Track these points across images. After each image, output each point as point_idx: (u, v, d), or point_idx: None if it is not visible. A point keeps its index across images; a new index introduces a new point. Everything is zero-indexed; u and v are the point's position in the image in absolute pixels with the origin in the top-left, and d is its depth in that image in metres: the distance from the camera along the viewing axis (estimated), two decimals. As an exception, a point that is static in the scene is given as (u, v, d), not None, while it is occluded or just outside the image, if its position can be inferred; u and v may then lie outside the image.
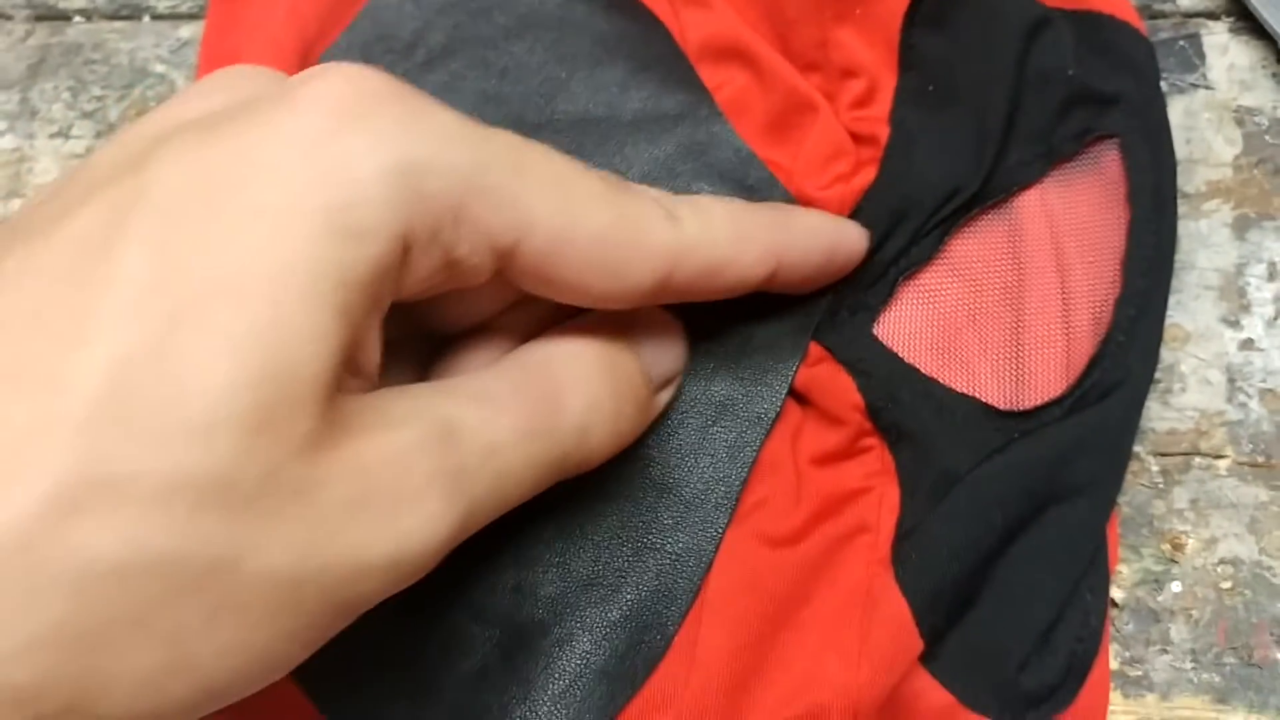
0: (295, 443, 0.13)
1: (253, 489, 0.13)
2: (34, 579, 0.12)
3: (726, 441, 0.21)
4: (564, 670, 0.20)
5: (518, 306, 0.19)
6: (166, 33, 0.28)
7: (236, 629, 0.13)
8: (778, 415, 0.21)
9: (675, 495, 0.21)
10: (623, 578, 0.21)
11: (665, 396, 0.21)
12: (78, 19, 0.28)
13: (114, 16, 0.28)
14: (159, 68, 0.28)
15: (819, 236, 0.20)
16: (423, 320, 0.19)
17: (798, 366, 0.22)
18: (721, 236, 0.18)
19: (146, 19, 0.28)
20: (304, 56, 0.24)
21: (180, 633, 0.13)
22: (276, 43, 0.24)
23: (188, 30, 0.28)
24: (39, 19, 0.28)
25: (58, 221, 0.14)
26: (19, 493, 0.12)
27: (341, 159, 0.14)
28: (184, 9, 0.28)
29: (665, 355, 0.20)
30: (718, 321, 0.22)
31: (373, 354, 0.15)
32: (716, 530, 0.21)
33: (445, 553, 0.16)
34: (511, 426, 0.16)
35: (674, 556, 0.21)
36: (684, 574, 0.21)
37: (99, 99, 0.28)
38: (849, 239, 0.21)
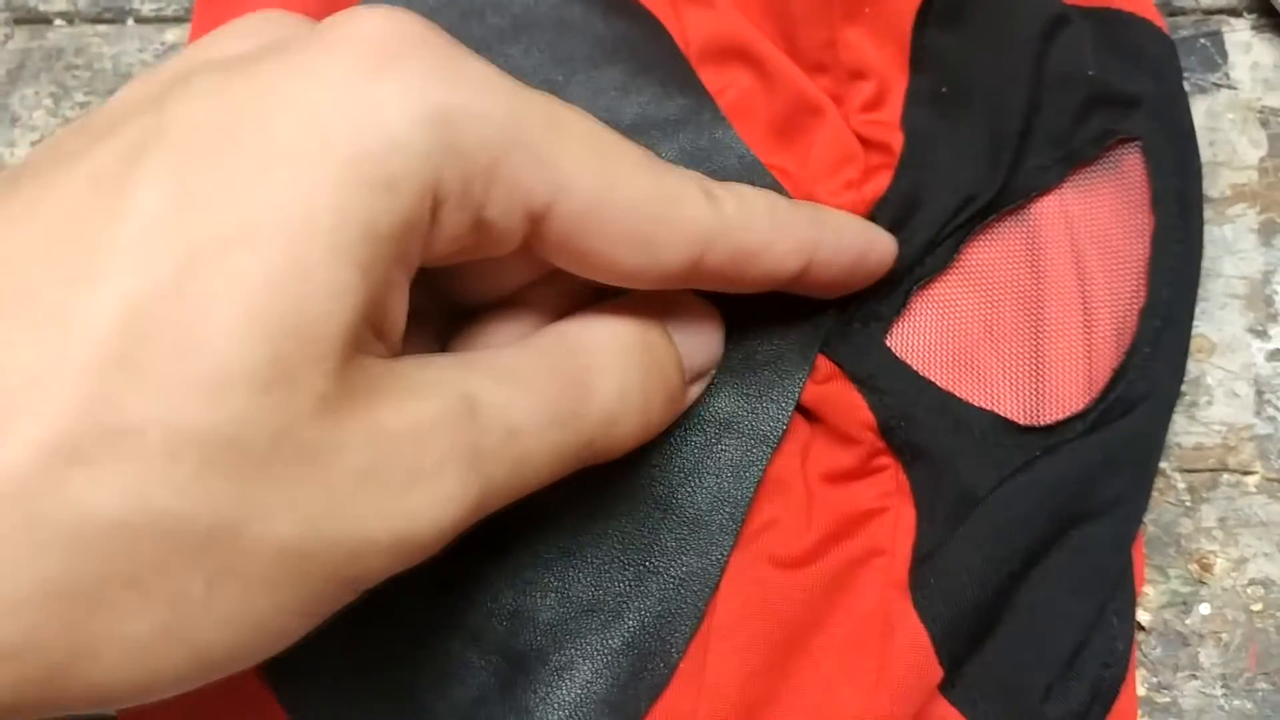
0: (310, 403, 0.13)
1: (262, 450, 0.12)
2: (27, 532, 0.11)
3: (731, 460, 0.20)
4: (563, 700, 0.19)
5: (546, 281, 0.18)
6: (151, 36, 0.27)
7: (237, 598, 0.13)
8: (784, 433, 0.21)
9: (678, 515, 0.20)
10: (624, 602, 0.20)
11: (696, 390, 0.20)
12: (59, 22, 0.28)
13: (96, 20, 0.27)
14: (143, 72, 0.27)
15: (853, 237, 0.19)
16: (446, 290, 0.18)
17: (804, 382, 0.21)
18: (759, 222, 0.17)
19: (130, 22, 0.27)
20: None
21: (178, 598, 0.12)
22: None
23: (173, 34, 0.27)
24: (18, 22, 0.28)
25: (74, 158, 0.13)
26: (18, 440, 0.11)
27: (375, 104, 0.13)
28: (169, 12, 0.27)
29: (703, 345, 0.19)
30: None
31: (398, 317, 0.15)
32: (721, 552, 0.20)
33: (453, 537, 0.15)
34: (536, 409, 0.15)
35: (678, 580, 0.20)
36: (688, 598, 0.20)
37: (82, 105, 0.27)
38: (880, 244, 0.20)
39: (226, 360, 0.12)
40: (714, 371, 0.20)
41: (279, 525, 0.13)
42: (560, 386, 0.16)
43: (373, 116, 0.13)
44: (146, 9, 0.27)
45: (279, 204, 0.12)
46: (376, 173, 0.13)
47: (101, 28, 0.27)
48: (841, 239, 0.19)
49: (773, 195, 0.18)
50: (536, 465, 0.16)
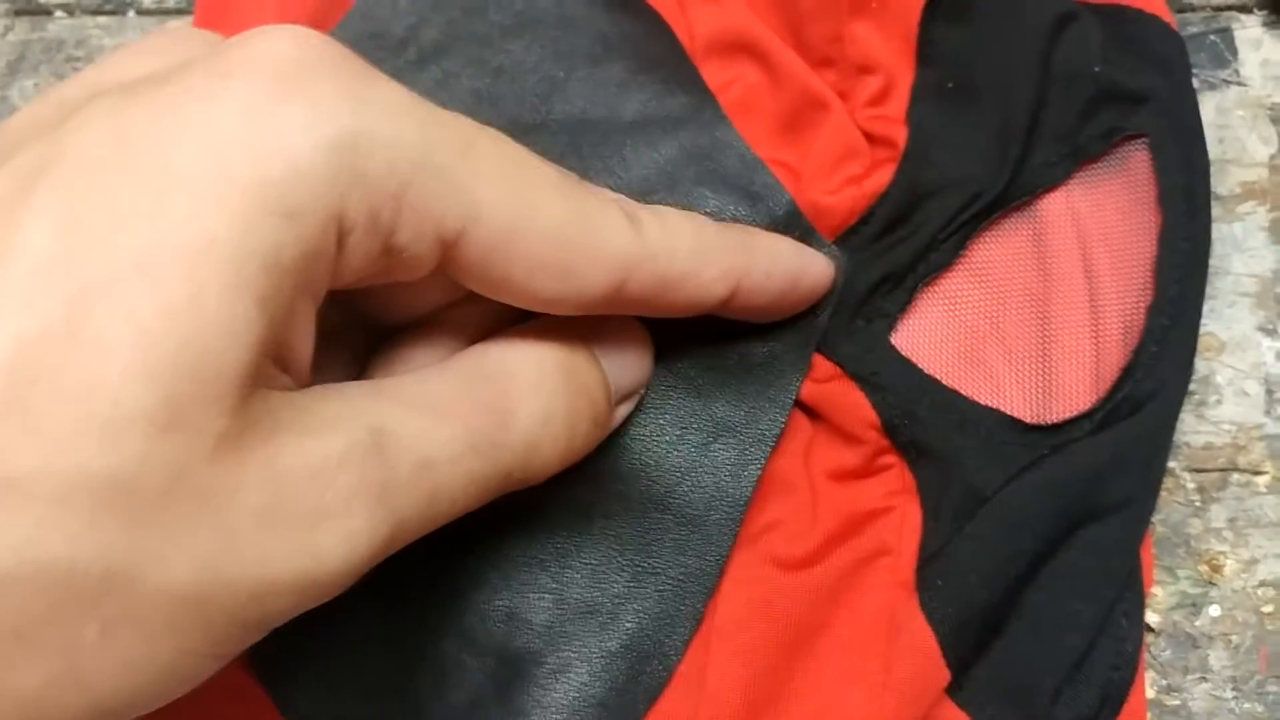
0: (207, 444, 0.12)
1: (158, 494, 0.12)
2: None
3: (729, 459, 0.20)
4: (559, 703, 0.19)
5: (467, 301, 0.18)
6: (151, 29, 0.27)
7: (133, 645, 0.12)
8: (781, 432, 0.20)
9: (676, 515, 0.20)
10: (621, 604, 0.19)
11: (624, 411, 0.19)
12: (59, 14, 0.27)
13: (97, 11, 0.27)
14: (142, 65, 0.27)
15: (783, 263, 0.19)
16: (362, 309, 0.18)
17: (800, 382, 0.20)
18: (682, 248, 0.17)
19: (131, 14, 0.27)
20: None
21: (71, 648, 0.12)
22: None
23: (174, 26, 0.27)
24: (19, 14, 0.27)
25: None
26: None
27: (279, 129, 0.13)
28: (170, 4, 0.27)
29: (630, 366, 0.19)
30: (714, 336, 0.21)
31: (303, 347, 0.14)
32: (720, 552, 0.20)
33: (363, 573, 0.14)
34: (451, 439, 0.15)
35: (676, 581, 0.20)
36: (687, 599, 0.19)
37: (79, 98, 0.27)
38: (814, 270, 0.20)
39: (120, 402, 0.12)
40: (643, 391, 0.20)
41: (176, 570, 0.12)
42: (478, 414, 0.15)
43: (276, 143, 0.13)
44: (147, 1, 0.27)
45: (175, 235, 0.12)
46: (278, 201, 0.13)
47: (102, 19, 0.27)
48: (772, 264, 0.18)
49: (699, 219, 0.18)
50: (453, 496, 0.15)
